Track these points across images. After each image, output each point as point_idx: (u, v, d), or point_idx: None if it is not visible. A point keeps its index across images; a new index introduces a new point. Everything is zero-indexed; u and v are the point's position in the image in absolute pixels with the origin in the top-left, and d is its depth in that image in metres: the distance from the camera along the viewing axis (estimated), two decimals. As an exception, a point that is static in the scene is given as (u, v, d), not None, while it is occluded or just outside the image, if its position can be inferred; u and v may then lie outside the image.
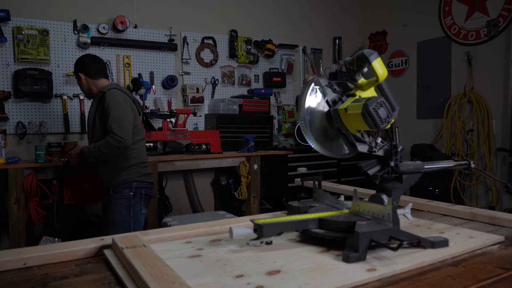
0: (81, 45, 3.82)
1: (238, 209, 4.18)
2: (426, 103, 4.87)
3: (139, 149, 2.73)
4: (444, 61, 4.66)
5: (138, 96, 3.57)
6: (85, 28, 3.81)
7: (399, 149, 1.02)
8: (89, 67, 2.73)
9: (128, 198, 2.62)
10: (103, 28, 3.88)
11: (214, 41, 4.53)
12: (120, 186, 2.61)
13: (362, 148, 1.03)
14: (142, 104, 3.74)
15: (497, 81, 4.17)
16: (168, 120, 3.83)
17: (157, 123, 3.97)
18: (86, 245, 0.97)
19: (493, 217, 1.22)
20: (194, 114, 3.91)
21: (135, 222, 2.65)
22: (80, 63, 2.77)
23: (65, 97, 3.76)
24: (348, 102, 1.00)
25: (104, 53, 3.96)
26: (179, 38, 4.35)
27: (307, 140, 1.03)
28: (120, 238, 0.96)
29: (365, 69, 1.01)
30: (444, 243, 0.96)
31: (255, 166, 3.98)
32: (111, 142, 2.49)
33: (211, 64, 4.52)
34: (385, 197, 0.98)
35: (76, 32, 3.81)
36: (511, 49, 4.05)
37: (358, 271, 0.81)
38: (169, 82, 4.17)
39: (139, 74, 4.11)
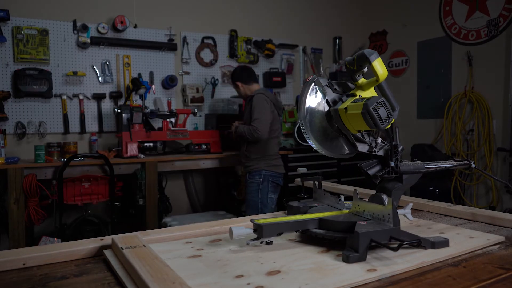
0: (81, 45, 3.81)
1: (238, 209, 4.17)
2: (426, 103, 4.87)
3: (271, 144, 3.37)
4: (444, 61, 4.65)
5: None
6: (85, 27, 3.80)
7: (399, 149, 1.01)
8: (242, 76, 3.50)
9: (257, 183, 3.31)
10: (103, 27, 3.88)
11: (214, 41, 4.52)
12: (252, 172, 3.34)
13: (362, 148, 1.03)
14: (142, 104, 3.75)
15: (497, 81, 4.17)
16: (168, 120, 3.82)
17: (157, 123, 3.96)
18: (86, 245, 0.97)
19: (494, 217, 1.22)
20: (194, 114, 3.91)
21: (262, 203, 3.30)
22: (235, 73, 3.56)
23: (64, 97, 3.76)
24: (348, 102, 1.00)
25: (104, 53, 3.95)
26: (179, 38, 4.34)
27: (307, 140, 1.03)
28: (120, 238, 0.96)
29: (365, 69, 1.01)
30: (444, 243, 0.96)
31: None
32: (251, 130, 3.21)
33: (211, 64, 4.52)
34: (385, 197, 0.98)
35: (75, 31, 3.80)
36: None
37: (358, 271, 0.81)
38: (169, 82, 4.16)
39: (139, 74, 4.10)
